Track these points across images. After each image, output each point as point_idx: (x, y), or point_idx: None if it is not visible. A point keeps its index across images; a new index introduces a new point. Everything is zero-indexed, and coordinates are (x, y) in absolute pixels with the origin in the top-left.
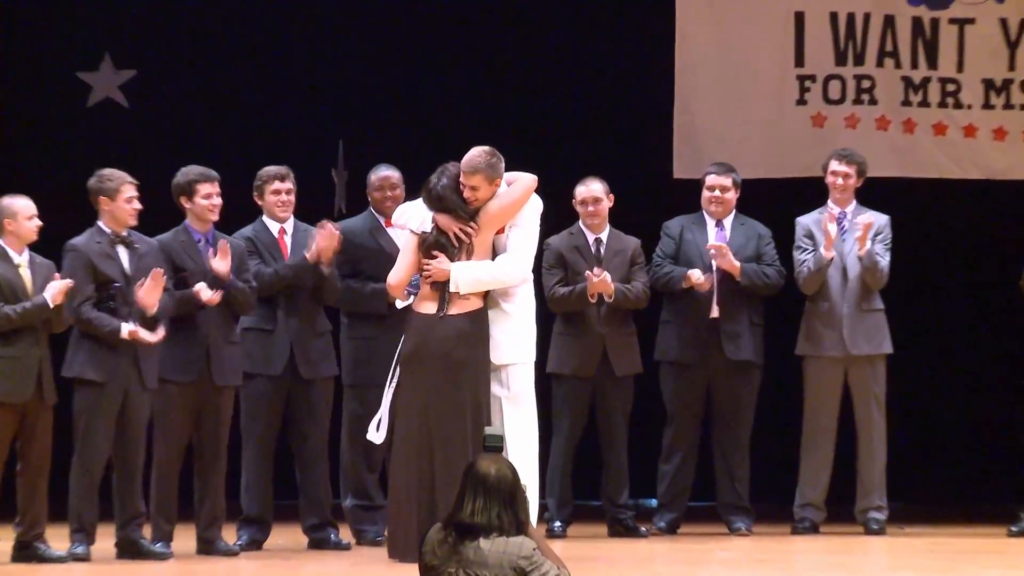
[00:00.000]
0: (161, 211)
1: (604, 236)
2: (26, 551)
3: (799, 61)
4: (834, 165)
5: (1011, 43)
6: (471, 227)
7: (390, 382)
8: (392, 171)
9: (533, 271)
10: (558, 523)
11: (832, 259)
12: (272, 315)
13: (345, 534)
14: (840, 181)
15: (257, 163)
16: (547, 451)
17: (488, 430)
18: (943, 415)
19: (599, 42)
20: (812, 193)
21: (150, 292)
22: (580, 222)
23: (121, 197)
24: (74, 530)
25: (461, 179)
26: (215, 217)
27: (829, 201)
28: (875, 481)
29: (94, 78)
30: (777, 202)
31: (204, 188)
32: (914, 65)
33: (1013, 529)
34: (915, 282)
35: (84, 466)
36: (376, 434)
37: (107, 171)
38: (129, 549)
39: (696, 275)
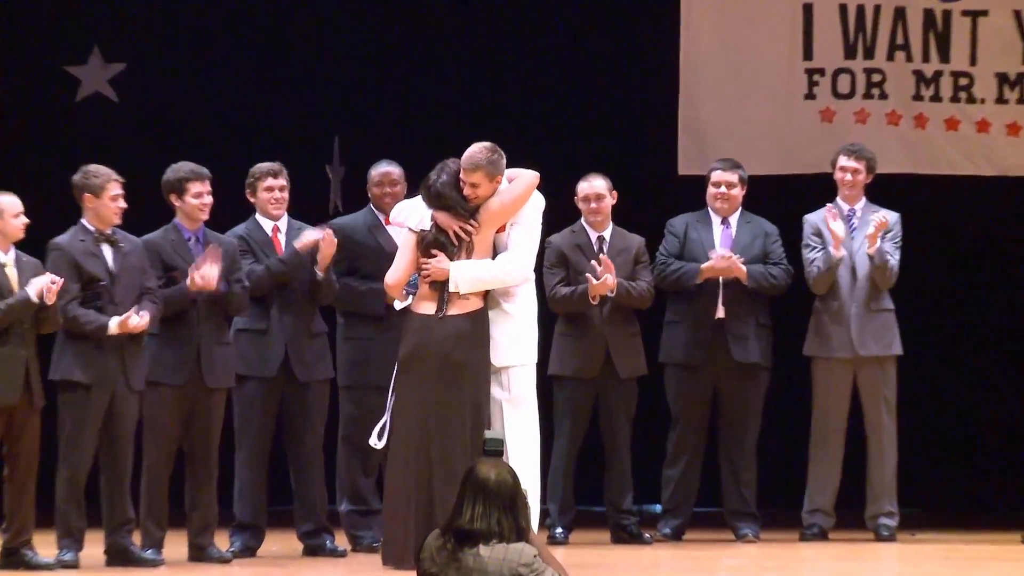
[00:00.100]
0: (151, 208)
1: (607, 234)
2: (13, 558)
3: (807, 54)
4: (843, 161)
5: None
6: (471, 225)
7: (393, 387)
8: (393, 167)
9: (535, 270)
10: (560, 529)
11: (842, 258)
12: (266, 315)
13: (341, 540)
14: (849, 177)
15: (250, 159)
16: (548, 455)
17: (488, 434)
18: (955, 418)
19: (601, 35)
20: (820, 190)
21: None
22: (582, 220)
23: (106, 194)
24: (61, 536)
25: (461, 176)
26: (205, 216)
27: (838, 198)
28: (885, 486)
29: (82, 72)
30: (784, 199)
31: (195, 187)
32: (925, 58)
33: None
34: (926, 281)
35: (70, 470)
36: (379, 441)
37: (92, 167)
38: (119, 556)
39: (715, 253)
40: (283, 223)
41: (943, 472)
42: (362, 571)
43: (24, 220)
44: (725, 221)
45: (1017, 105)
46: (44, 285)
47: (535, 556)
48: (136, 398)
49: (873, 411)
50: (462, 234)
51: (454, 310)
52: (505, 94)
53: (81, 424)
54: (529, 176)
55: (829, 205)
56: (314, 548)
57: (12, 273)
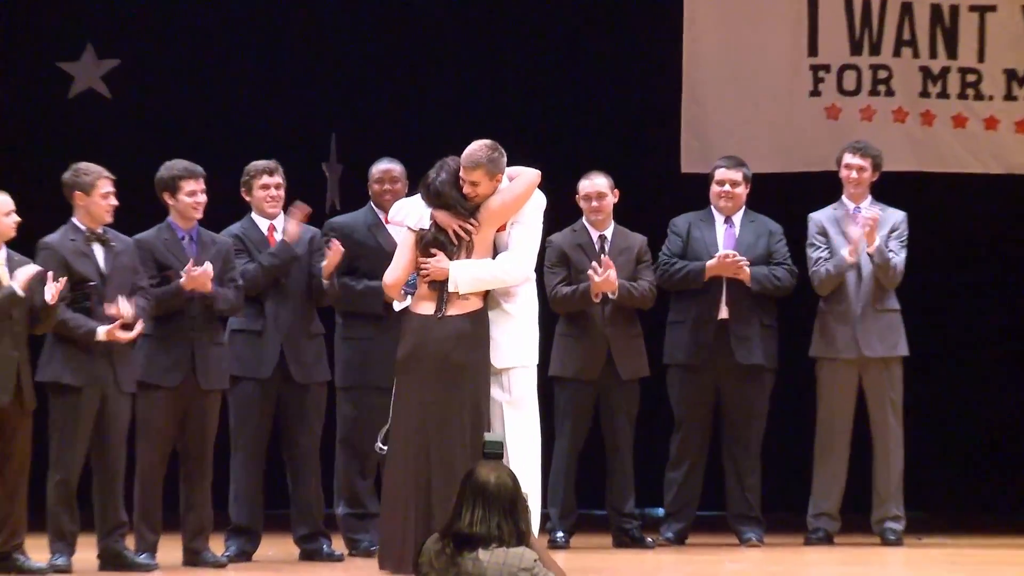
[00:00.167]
0: (144, 207)
1: (609, 233)
2: (5, 562)
3: (812, 51)
4: (848, 158)
5: None
6: (471, 224)
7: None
8: (394, 164)
9: (535, 270)
10: (561, 533)
11: (854, 263)
12: (261, 315)
13: (338, 544)
14: (854, 175)
15: (245, 157)
16: (549, 458)
17: (488, 436)
18: (962, 420)
19: (602, 33)
20: (826, 188)
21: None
22: (584, 218)
23: (97, 192)
24: (53, 540)
25: (461, 174)
26: (199, 215)
27: (843, 196)
28: (891, 490)
29: (75, 68)
30: (789, 197)
31: (188, 185)
32: (933, 55)
33: None
34: (933, 281)
35: (62, 473)
36: (384, 446)
37: (83, 165)
38: (112, 560)
39: (719, 255)
40: (279, 222)
41: (950, 475)
42: (359, 575)
43: (16, 219)
44: (729, 220)
45: None
46: (31, 276)
47: (535, 560)
48: (127, 400)
49: (879, 413)
50: (462, 233)
51: (453, 310)
52: (505, 92)
53: (72, 427)
54: (530, 174)
55: (841, 203)
56: (310, 552)
57: (3, 272)
